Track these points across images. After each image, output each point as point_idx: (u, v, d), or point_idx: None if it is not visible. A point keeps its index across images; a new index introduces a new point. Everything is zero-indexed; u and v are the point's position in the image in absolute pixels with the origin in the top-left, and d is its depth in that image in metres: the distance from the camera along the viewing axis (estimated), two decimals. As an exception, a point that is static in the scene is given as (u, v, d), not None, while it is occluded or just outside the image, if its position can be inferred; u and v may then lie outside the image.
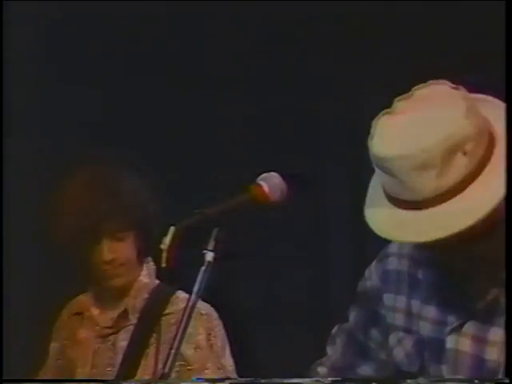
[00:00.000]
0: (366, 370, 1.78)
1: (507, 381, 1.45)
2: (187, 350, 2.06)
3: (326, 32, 3.05)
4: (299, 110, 3.24)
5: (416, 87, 1.52)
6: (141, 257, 2.22)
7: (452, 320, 1.58)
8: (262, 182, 1.58)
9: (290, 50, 3.11)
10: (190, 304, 1.49)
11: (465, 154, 1.43)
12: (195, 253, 1.55)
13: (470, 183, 1.44)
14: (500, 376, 1.49)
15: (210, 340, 2.12)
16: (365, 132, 1.54)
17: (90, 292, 2.29)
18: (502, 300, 1.52)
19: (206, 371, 2.09)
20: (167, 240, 1.50)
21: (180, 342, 1.49)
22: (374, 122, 1.50)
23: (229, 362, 2.21)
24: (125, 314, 2.21)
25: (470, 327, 1.56)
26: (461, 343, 1.56)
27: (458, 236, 1.42)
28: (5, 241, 2.71)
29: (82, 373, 2.20)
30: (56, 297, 2.49)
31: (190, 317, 1.52)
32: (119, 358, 2.18)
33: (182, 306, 2.05)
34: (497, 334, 1.52)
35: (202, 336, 2.12)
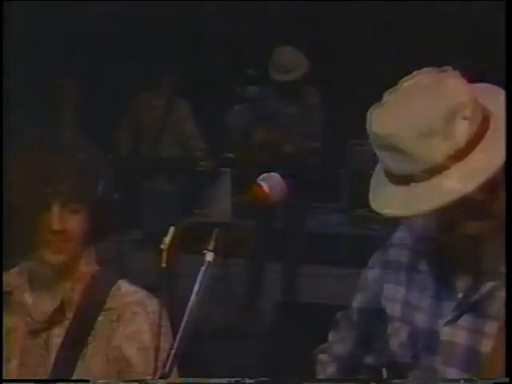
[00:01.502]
0: (366, 358, 1.79)
1: (507, 381, 1.45)
2: (129, 349, 1.90)
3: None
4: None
5: (403, 79, 1.56)
6: (87, 240, 1.96)
7: (448, 312, 1.59)
8: (262, 182, 1.59)
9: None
10: (191, 305, 1.49)
11: (465, 118, 1.46)
12: (195, 253, 1.55)
13: (474, 148, 1.46)
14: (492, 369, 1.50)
15: (156, 341, 1.79)
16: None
17: (24, 268, 2.00)
18: (498, 293, 1.53)
19: (149, 375, 1.75)
20: (167, 240, 1.50)
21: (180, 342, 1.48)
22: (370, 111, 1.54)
23: (174, 366, 1.98)
24: (61, 308, 1.95)
25: (465, 319, 1.57)
26: (456, 335, 1.58)
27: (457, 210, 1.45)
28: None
29: (8, 368, 1.93)
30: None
31: (189, 316, 1.51)
32: (52, 357, 1.93)
33: (127, 300, 1.92)
34: (492, 326, 1.52)
35: (146, 335, 1.90)
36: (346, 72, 8.26)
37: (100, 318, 1.94)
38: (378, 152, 1.53)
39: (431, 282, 1.64)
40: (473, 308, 1.57)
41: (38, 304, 1.96)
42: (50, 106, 5.52)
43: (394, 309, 1.70)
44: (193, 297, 1.50)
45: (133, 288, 1.98)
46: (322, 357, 1.87)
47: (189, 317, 1.49)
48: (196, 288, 1.50)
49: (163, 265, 1.49)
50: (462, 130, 1.46)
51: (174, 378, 1.53)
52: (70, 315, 1.95)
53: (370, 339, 1.77)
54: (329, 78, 7.51)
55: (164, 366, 1.47)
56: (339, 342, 1.84)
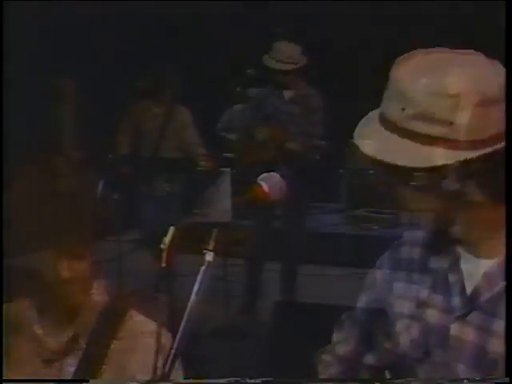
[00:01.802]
0: (369, 358, 1.79)
1: (507, 381, 1.45)
2: (138, 372, 1.88)
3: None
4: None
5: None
6: (94, 273, 1.97)
7: (457, 308, 1.59)
8: (262, 182, 1.60)
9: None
10: (190, 305, 1.49)
11: (403, 110, 1.47)
12: (195, 253, 1.55)
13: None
14: (499, 369, 1.50)
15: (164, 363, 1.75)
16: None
17: (33, 302, 1.99)
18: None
19: None
20: (167, 240, 1.50)
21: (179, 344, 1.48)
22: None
23: (174, 366, 1.92)
24: (74, 338, 1.95)
25: (474, 317, 1.56)
26: (464, 331, 1.57)
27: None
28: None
29: None
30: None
31: (189, 316, 1.51)
32: None
33: (140, 330, 1.93)
34: (501, 326, 1.51)
35: (151, 358, 1.79)
36: (345, 72, 8.27)
37: (113, 347, 1.94)
38: None
39: (442, 278, 1.63)
40: (483, 306, 1.55)
41: (50, 334, 1.95)
42: (50, 105, 5.52)
43: (404, 306, 1.69)
44: (192, 297, 1.50)
45: (144, 318, 1.98)
46: (325, 357, 1.87)
47: (189, 317, 1.49)
48: (196, 288, 1.50)
49: (163, 265, 1.49)
50: (394, 113, 1.48)
51: (174, 378, 1.53)
52: (83, 344, 1.95)
53: (375, 338, 1.77)
54: (329, 77, 7.52)
55: (164, 365, 1.47)
56: (342, 342, 1.84)
